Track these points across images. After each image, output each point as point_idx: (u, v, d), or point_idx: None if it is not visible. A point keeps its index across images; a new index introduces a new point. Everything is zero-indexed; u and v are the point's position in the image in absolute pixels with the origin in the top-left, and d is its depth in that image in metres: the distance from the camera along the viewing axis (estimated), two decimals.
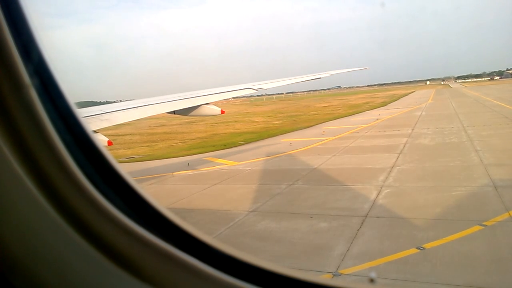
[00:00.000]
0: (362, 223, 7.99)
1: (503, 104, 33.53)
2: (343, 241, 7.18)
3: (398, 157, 14.61)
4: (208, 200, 10.93)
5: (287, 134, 26.30)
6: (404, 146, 17.04)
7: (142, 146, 25.36)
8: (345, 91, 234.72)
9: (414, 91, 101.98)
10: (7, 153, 0.83)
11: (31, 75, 0.85)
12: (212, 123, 36.84)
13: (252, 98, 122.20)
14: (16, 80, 0.83)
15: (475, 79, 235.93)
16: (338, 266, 6.19)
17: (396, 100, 63.97)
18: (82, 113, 1.01)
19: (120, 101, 12.00)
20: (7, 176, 0.83)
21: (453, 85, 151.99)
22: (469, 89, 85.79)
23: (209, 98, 10.75)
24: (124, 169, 1.01)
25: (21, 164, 0.84)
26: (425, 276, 5.73)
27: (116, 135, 30.69)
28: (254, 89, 11.97)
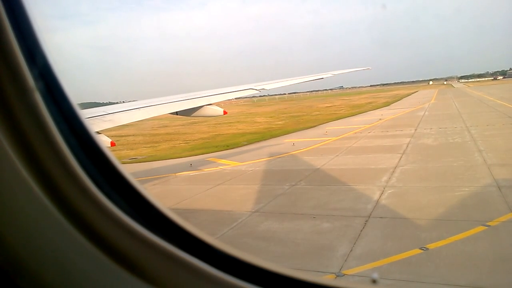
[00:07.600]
0: (365, 223, 7.97)
1: (506, 104, 33.32)
2: (346, 241, 7.17)
3: (401, 157, 14.57)
4: (211, 201, 10.94)
5: (289, 134, 26.28)
6: (407, 146, 16.99)
7: (145, 147, 25.42)
8: (348, 91, 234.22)
9: (417, 91, 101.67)
10: (12, 156, 0.83)
11: (35, 79, 0.86)
12: (215, 123, 36.85)
13: (255, 99, 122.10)
14: (21, 83, 0.84)
15: (478, 79, 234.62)
16: (341, 267, 6.17)
17: (398, 100, 63.80)
18: (85, 114, 1.02)
19: (123, 102, 12.04)
20: (12, 178, 0.84)
21: (456, 85, 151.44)
22: (472, 89, 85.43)
23: (211, 98, 10.77)
24: (127, 170, 1.02)
25: (26, 166, 0.85)
26: (428, 276, 5.71)
27: (119, 136, 30.78)
28: (256, 89, 11.98)
